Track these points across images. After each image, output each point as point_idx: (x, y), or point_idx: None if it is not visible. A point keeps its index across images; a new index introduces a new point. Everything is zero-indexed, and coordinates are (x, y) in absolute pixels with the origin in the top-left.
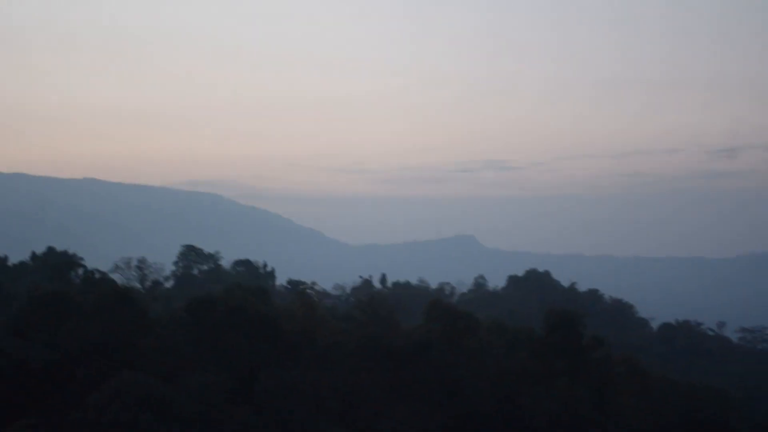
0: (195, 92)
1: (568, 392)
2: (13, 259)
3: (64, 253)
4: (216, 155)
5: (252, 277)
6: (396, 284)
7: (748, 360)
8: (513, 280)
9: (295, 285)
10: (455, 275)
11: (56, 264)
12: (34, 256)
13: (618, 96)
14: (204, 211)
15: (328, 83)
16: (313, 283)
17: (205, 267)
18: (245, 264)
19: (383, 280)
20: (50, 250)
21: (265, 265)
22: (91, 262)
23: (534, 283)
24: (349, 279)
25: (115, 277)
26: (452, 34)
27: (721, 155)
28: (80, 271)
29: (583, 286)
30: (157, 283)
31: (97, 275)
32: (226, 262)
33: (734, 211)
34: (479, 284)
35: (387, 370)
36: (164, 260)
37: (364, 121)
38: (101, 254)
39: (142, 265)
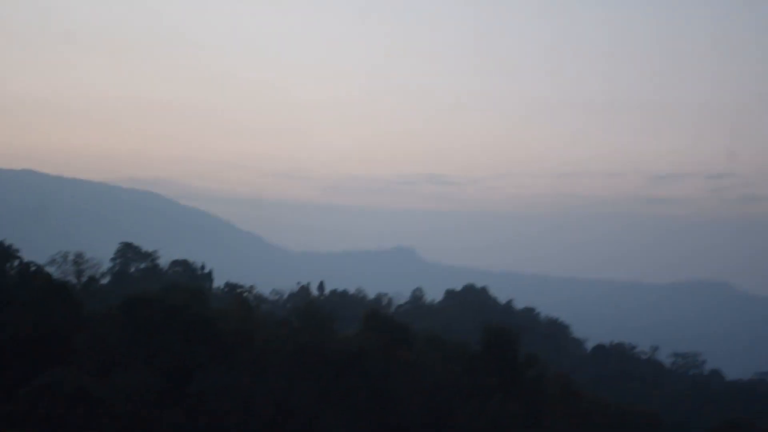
0: (139, 88)
1: (500, 409)
2: None
3: None
4: (157, 153)
5: (189, 278)
6: (333, 292)
7: (680, 385)
8: (450, 294)
9: (232, 288)
10: (393, 287)
11: None
12: None
13: (559, 117)
14: (142, 210)
15: (275, 86)
16: (251, 287)
17: (142, 265)
18: (183, 264)
19: (321, 287)
20: None
21: (202, 267)
22: (25, 256)
23: (471, 298)
24: (287, 285)
25: (51, 270)
26: (403, 47)
27: (660, 181)
28: (15, 263)
29: (519, 304)
30: (93, 279)
31: (32, 268)
32: (163, 261)
33: (670, 237)
34: (417, 297)
35: (321, 378)
36: (101, 257)
37: (311, 126)
38: (37, 248)
39: (78, 260)
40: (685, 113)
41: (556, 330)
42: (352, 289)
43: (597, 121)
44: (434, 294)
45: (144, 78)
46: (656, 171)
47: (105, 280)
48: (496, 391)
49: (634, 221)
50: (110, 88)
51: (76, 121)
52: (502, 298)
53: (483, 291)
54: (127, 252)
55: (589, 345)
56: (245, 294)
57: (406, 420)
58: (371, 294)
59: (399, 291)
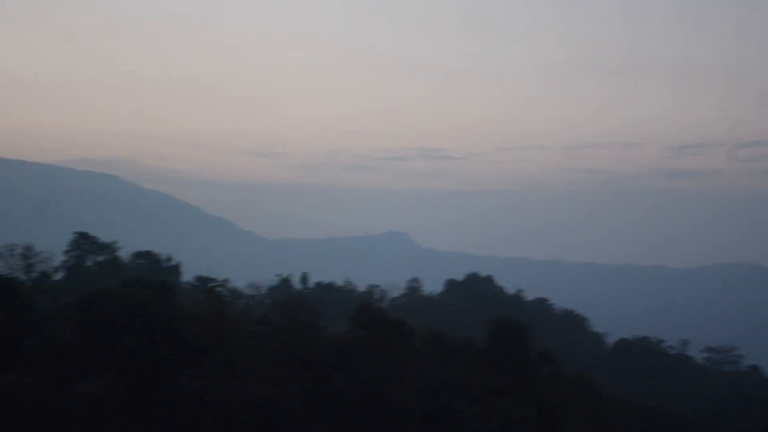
0: (91, 61)
1: (510, 413)
2: None
3: None
4: (114, 131)
5: (154, 271)
6: (318, 285)
7: (713, 383)
8: (451, 284)
9: (203, 282)
10: (386, 277)
11: None
12: None
13: (571, 81)
14: (99, 195)
15: (242, 54)
16: (225, 281)
17: (100, 258)
18: (146, 256)
19: (304, 279)
20: None
21: (169, 258)
22: None
23: (475, 289)
24: (266, 277)
25: None
26: (388, 6)
27: (683, 152)
28: None
29: (530, 294)
30: (44, 275)
31: None
32: (124, 253)
33: (696, 215)
34: (413, 288)
35: (306, 382)
36: (53, 249)
37: (285, 98)
38: None
39: (27, 253)
40: (709, 75)
41: (573, 322)
42: (339, 281)
43: (611, 87)
44: (432, 284)
45: (96, 48)
46: (678, 140)
47: (58, 276)
48: (505, 393)
49: (654, 197)
50: (60, 59)
51: (20, 97)
52: (510, 288)
53: (488, 280)
54: (83, 243)
55: (610, 339)
56: (218, 288)
57: (403, 426)
58: (361, 286)
59: (392, 282)
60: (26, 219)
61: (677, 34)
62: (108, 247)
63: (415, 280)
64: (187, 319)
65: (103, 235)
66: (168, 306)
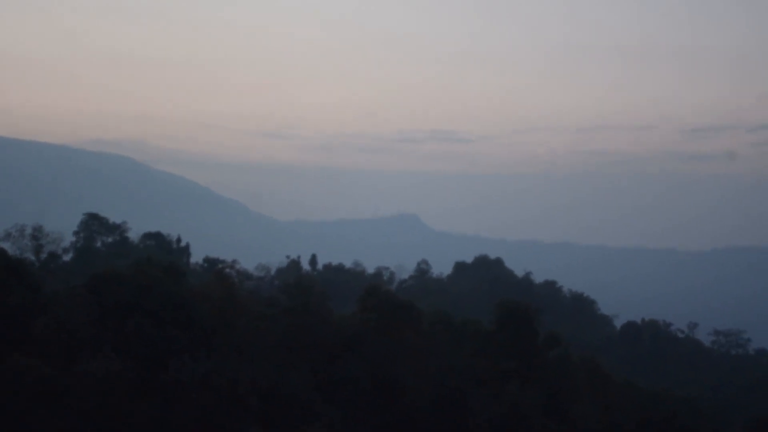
0: (101, 43)
1: (519, 396)
2: None
3: None
4: (126, 112)
5: (163, 253)
6: (327, 267)
7: (721, 367)
8: (460, 266)
9: (212, 263)
10: (395, 259)
11: None
12: None
13: (583, 64)
14: (110, 176)
15: (256, 34)
16: (234, 262)
17: (109, 239)
18: (156, 237)
19: (313, 261)
20: None
21: (178, 240)
22: None
23: (484, 271)
24: (275, 258)
25: (6, 246)
26: None
27: (695, 135)
28: None
29: (539, 277)
30: (54, 256)
31: None
32: (134, 234)
33: (708, 198)
34: (422, 270)
35: (314, 364)
36: (63, 229)
37: (298, 79)
38: None
39: (37, 233)
40: (722, 58)
41: (581, 305)
42: (348, 263)
43: (623, 69)
44: (442, 267)
45: (110, 28)
46: (691, 123)
47: (67, 257)
48: (514, 376)
49: (666, 180)
50: (71, 39)
51: (33, 77)
52: (519, 271)
53: (497, 263)
54: (93, 224)
55: (619, 322)
56: (227, 270)
57: (411, 409)
58: (370, 268)
59: (402, 264)
60: (36, 200)
61: (689, 17)
62: (117, 229)
63: (424, 262)
64: (196, 300)
65: (113, 217)
66: (177, 287)
